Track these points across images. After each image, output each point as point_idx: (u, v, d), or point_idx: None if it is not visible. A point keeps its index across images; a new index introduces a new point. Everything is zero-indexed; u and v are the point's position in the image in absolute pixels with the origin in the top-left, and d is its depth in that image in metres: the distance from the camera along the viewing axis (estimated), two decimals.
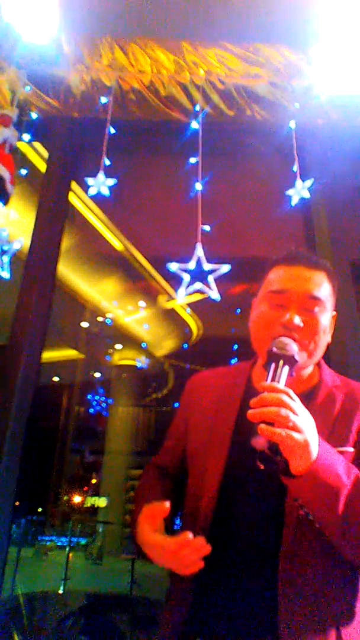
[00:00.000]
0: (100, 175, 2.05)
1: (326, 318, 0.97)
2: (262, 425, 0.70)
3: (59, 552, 8.96)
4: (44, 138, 2.47)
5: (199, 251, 1.95)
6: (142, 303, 7.34)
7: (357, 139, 2.25)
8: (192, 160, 2.14)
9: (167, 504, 0.80)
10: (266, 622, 0.79)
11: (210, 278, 1.92)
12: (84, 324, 7.90)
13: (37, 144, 2.58)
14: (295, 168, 2.13)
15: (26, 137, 2.29)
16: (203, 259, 1.94)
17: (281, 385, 0.77)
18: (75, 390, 11.57)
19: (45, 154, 2.54)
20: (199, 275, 1.93)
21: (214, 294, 1.91)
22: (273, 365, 0.80)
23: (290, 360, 0.82)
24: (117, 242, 4.46)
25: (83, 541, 9.62)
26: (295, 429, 0.71)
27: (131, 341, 9.22)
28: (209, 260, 1.94)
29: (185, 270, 1.93)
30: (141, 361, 10.25)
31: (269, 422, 0.71)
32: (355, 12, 1.99)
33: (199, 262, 1.94)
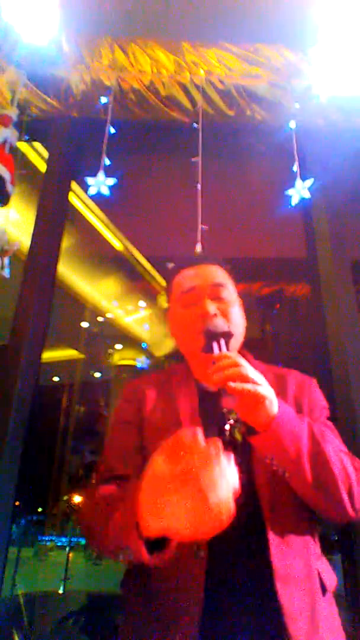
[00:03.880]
0: (100, 175, 2.05)
1: (236, 303, 1.08)
2: (231, 384, 0.75)
3: (59, 552, 8.95)
4: (44, 138, 2.47)
5: (199, 251, 1.95)
6: (142, 303, 7.33)
7: (357, 139, 2.25)
8: (192, 160, 2.14)
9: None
10: (262, 580, 0.83)
11: None
12: (84, 324, 7.89)
13: (37, 144, 2.58)
14: (295, 168, 2.13)
15: (26, 137, 2.29)
16: None
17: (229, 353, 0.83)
18: (75, 390, 11.56)
19: (45, 154, 2.53)
20: None
21: None
22: (214, 344, 0.87)
23: (227, 335, 0.90)
24: (117, 242, 4.46)
25: (83, 541, 9.60)
26: (257, 383, 0.77)
27: (131, 341, 9.21)
28: None
29: None
30: (141, 361, 10.24)
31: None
32: (355, 12, 1.99)
33: None
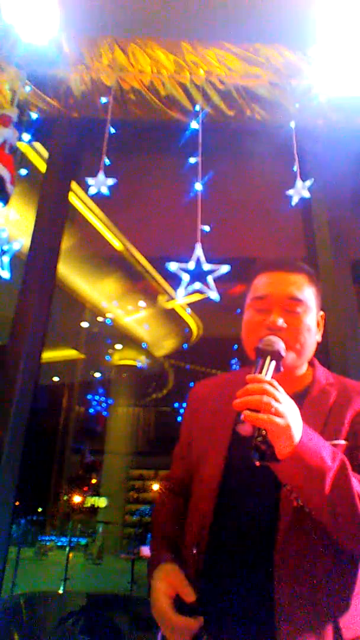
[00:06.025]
0: (100, 175, 2.05)
1: (311, 318, 1.01)
2: (246, 412, 0.74)
3: (59, 552, 8.96)
4: (44, 138, 2.47)
5: (199, 251, 1.96)
6: (142, 303, 7.34)
7: (356, 139, 2.25)
8: (192, 160, 2.14)
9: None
10: (264, 616, 0.81)
11: (210, 278, 1.92)
12: (84, 324, 7.89)
13: (37, 144, 2.58)
14: (295, 168, 2.13)
15: (26, 137, 2.29)
16: (203, 259, 1.95)
17: (267, 377, 0.81)
18: (75, 390, 11.58)
19: (45, 154, 2.54)
20: (199, 275, 1.93)
21: (213, 294, 1.91)
22: (260, 361, 0.85)
23: (276, 355, 0.86)
24: (117, 242, 4.46)
25: (83, 541, 9.61)
26: (277, 414, 0.75)
27: (131, 341, 9.21)
28: (208, 261, 1.95)
29: (185, 270, 1.94)
30: (141, 361, 10.25)
31: (254, 410, 0.75)
32: (355, 12, 1.99)
33: (198, 262, 1.94)
